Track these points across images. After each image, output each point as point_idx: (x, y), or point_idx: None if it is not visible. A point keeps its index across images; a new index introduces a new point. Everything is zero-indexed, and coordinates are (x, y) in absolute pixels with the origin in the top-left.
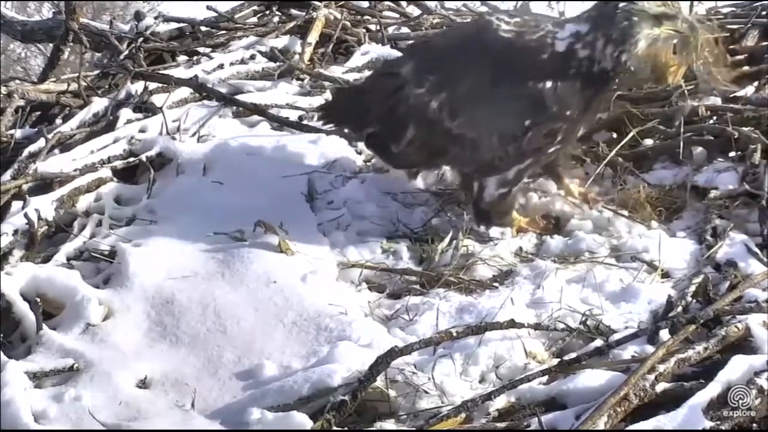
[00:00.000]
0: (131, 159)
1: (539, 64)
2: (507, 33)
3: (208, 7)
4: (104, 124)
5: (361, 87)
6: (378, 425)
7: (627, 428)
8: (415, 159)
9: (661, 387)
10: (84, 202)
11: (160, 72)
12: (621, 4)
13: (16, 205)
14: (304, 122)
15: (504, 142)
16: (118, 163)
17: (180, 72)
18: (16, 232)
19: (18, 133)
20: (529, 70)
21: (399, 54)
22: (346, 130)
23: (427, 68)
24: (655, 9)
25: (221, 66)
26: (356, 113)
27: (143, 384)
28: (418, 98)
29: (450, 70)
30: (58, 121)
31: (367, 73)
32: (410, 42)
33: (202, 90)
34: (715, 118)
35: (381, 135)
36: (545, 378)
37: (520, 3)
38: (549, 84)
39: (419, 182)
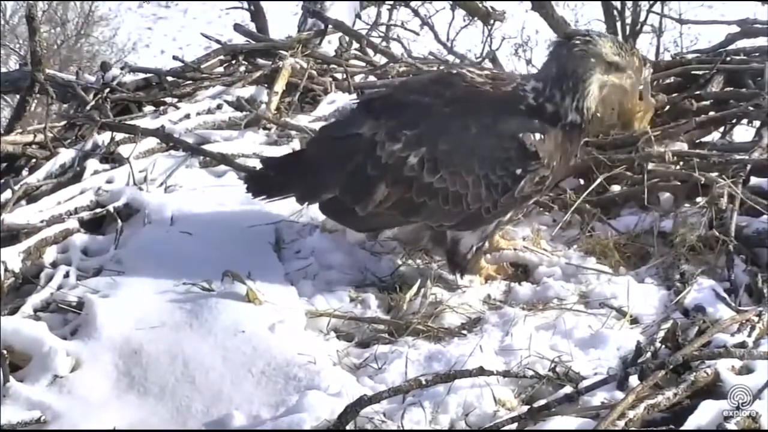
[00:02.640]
0: (98, 210)
1: (522, 116)
2: (483, 85)
3: (175, 57)
4: (71, 175)
5: (307, 153)
6: None
7: None
8: (384, 220)
9: None
10: (51, 253)
11: (127, 122)
12: (575, 49)
13: None
14: None
15: (493, 193)
16: (85, 214)
17: (147, 122)
18: None
19: None
20: (513, 121)
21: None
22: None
23: (400, 124)
24: (611, 57)
25: (188, 116)
26: (304, 181)
27: None
28: (392, 155)
29: (426, 123)
30: (25, 172)
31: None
32: (359, 100)
33: (168, 140)
34: (681, 163)
35: (343, 200)
36: (515, 425)
37: (487, 51)
38: (538, 136)
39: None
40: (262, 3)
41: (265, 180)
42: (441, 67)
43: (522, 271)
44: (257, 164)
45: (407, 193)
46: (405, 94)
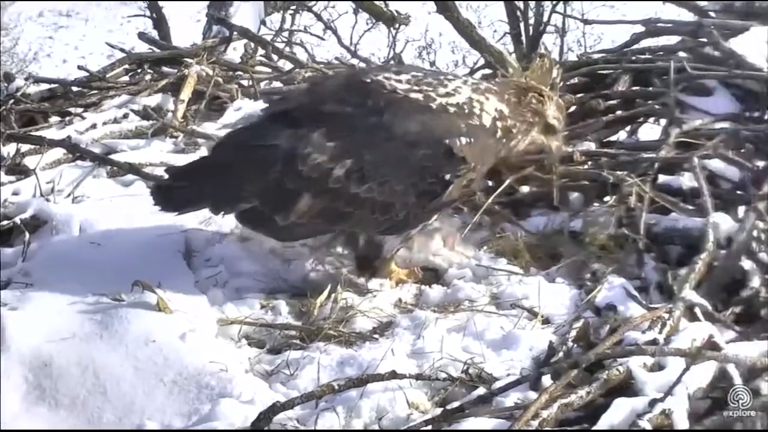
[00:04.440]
0: (5, 222)
1: (451, 122)
2: (405, 92)
3: (80, 67)
4: None
5: (217, 161)
6: None
7: None
8: (308, 229)
9: None
10: None
11: (33, 134)
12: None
13: None
14: None
15: (423, 199)
16: None
17: (52, 133)
18: None
19: None
20: (442, 128)
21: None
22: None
23: (323, 135)
24: (551, 119)
25: (94, 126)
26: (218, 192)
27: None
28: (317, 168)
29: (351, 134)
30: None
31: None
32: (272, 109)
33: (75, 150)
34: (590, 163)
35: (262, 210)
36: (429, 428)
37: (392, 54)
38: (464, 140)
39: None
40: (164, 10)
41: (174, 192)
42: (347, 72)
43: (433, 274)
44: (164, 174)
45: (333, 203)
46: (321, 104)
